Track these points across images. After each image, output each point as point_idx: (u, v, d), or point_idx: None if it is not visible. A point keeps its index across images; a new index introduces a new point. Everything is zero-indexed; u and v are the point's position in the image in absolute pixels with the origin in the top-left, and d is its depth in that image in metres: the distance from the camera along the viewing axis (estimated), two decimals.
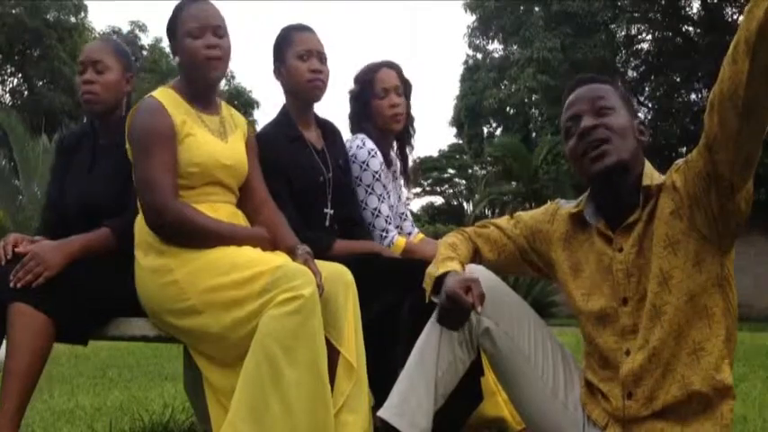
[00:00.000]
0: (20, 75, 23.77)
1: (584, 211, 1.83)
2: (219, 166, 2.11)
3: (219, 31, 2.12)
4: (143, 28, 25.83)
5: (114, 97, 2.36)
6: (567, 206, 1.90)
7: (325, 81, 2.53)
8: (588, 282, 1.80)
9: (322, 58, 2.52)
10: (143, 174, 2.03)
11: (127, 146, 2.12)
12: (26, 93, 23.71)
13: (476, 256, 1.95)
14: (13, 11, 21.52)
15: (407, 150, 2.90)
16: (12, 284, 1.95)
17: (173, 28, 2.15)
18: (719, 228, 1.63)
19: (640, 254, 1.71)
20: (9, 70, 23.83)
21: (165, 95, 2.13)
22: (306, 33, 2.54)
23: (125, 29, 25.27)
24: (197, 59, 2.10)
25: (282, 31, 2.58)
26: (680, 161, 1.72)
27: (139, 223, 2.09)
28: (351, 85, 2.83)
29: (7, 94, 24.05)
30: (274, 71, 2.56)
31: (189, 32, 2.10)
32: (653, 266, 1.68)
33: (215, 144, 2.13)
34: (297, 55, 2.49)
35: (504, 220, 2.00)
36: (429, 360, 1.75)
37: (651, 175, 1.73)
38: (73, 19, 23.05)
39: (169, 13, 2.16)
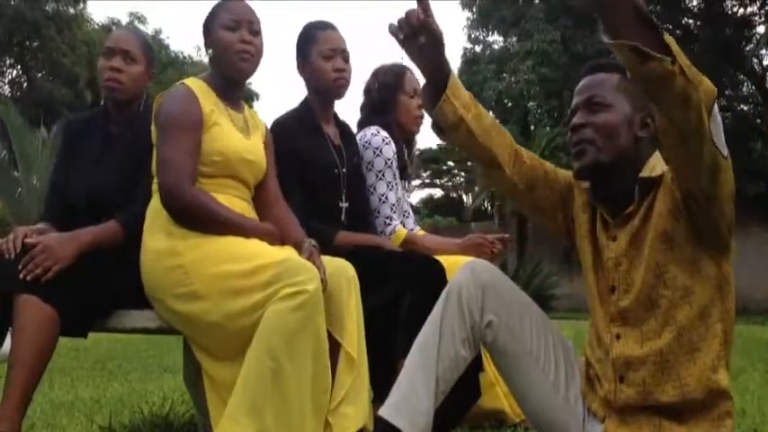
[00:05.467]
0: (19, 66, 23.73)
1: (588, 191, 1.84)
2: (242, 160, 2.13)
3: (254, 27, 2.18)
4: (142, 20, 25.76)
5: (137, 90, 2.38)
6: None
7: (349, 79, 2.57)
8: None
9: (345, 55, 2.56)
10: (165, 153, 2.04)
11: (152, 127, 2.14)
12: (25, 84, 23.68)
13: (514, 155, 1.88)
14: (12, 2, 21.46)
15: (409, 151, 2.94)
16: (21, 276, 1.94)
17: (208, 24, 2.20)
18: (710, 232, 1.62)
19: (633, 244, 1.71)
20: (8, 62, 23.79)
21: (195, 84, 2.16)
22: (330, 32, 2.58)
23: (124, 20, 25.20)
24: (230, 51, 2.14)
25: (306, 29, 2.61)
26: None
27: (152, 207, 2.10)
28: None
29: (6, 86, 24.04)
30: (297, 67, 2.60)
31: (224, 25, 2.15)
32: (648, 258, 1.67)
33: (239, 138, 2.16)
34: (322, 54, 2.52)
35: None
36: (430, 357, 1.74)
37: (653, 167, 1.72)
38: (72, 10, 22.99)
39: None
